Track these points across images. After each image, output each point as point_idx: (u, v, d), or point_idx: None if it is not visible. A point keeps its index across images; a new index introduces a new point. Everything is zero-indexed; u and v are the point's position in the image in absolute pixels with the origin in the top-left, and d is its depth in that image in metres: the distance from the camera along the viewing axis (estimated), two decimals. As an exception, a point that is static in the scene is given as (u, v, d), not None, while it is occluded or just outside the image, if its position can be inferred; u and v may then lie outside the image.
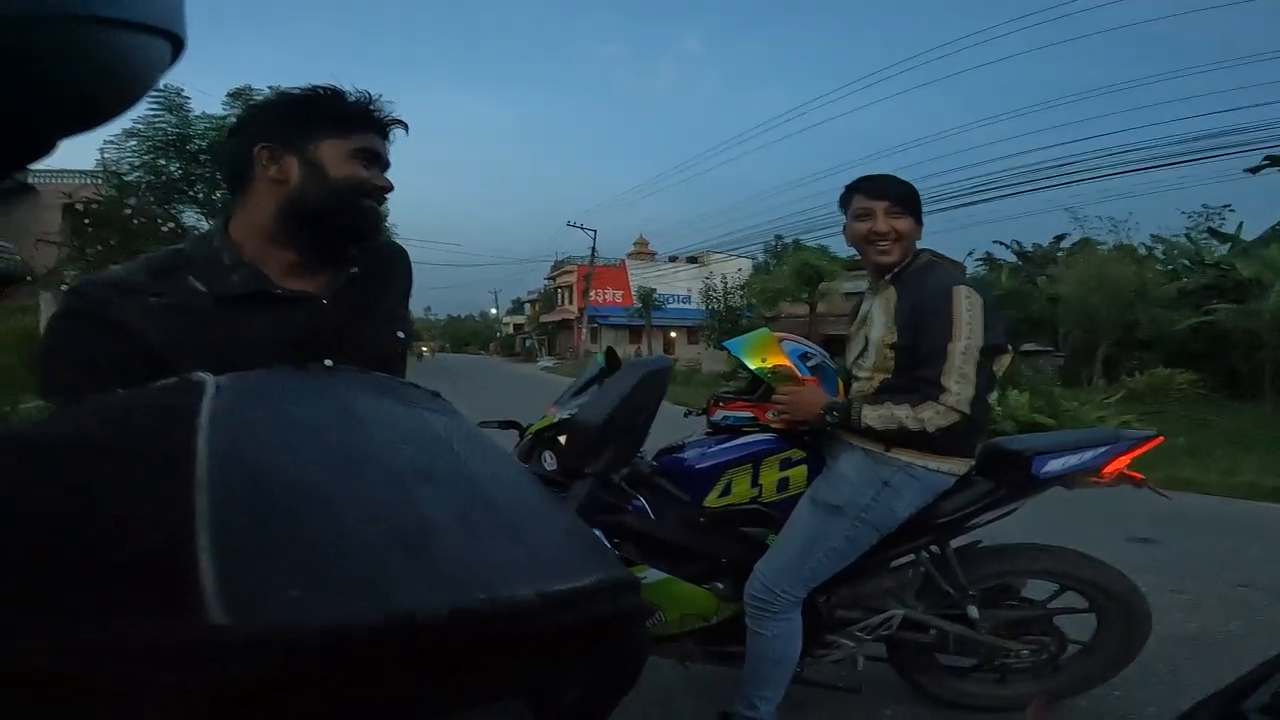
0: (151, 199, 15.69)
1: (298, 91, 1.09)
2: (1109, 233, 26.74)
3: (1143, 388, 15.91)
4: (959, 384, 1.76)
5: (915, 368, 1.84)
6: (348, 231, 1.11)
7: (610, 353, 2.51)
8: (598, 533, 2.19)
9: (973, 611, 2.18)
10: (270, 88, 17.56)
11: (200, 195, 16.05)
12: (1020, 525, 2.95)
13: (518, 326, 70.68)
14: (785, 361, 2.19)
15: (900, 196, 1.96)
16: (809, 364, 2.23)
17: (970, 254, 31.51)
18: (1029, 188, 16.66)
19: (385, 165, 1.15)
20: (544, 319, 56.16)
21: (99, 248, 15.22)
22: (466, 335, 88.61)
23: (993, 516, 2.14)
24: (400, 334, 1.20)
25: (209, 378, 0.39)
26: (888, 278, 1.99)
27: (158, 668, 0.26)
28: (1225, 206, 24.51)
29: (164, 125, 15.10)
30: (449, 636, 0.31)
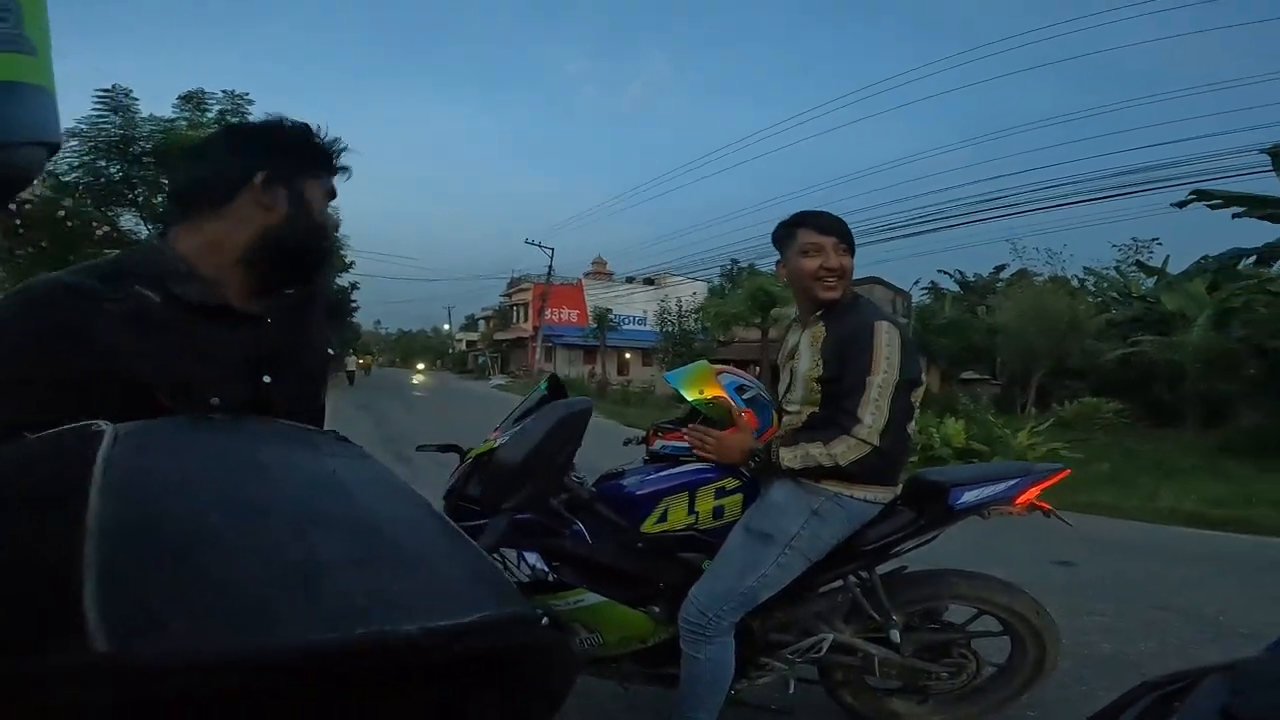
0: (89, 201, 15.08)
1: (294, 125, 1.13)
2: (1045, 264, 27.99)
3: (1072, 416, 16.59)
4: (872, 416, 1.84)
5: (836, 400, 1.93)
6: (313, 268, 1.18)
7: (554, 379, 2.54)
8: (535, 557, 2.21)
9: (895, 635, 2.26)
10: (225, 92, 17.13)
11: (140, 199, 15.47)
12: (958, 548, 3.08)
13: (470, 343, 70.15)
14: (722, 394, 2.26)
15: (845, 234, 2.04)
16: (745, 396, 2.31)
17: (916, 282, 32.56)
18: (972, 219, 17.34)
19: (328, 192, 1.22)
20: (498, 336, 55.85)
21: (30, 250, 14.59)
22: (417, 350, 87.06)
23: (915, 544, 2.24)
24: (330, 351, 1.31)
25: (108, 427, 0.42)
26: (818, 313, 2.06)
27: (44, 691, 0.29)
28: (1153, 240, 25.93)
29: (108, 126, 14.53)
30: (330, 670, 0.34)
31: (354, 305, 44.27)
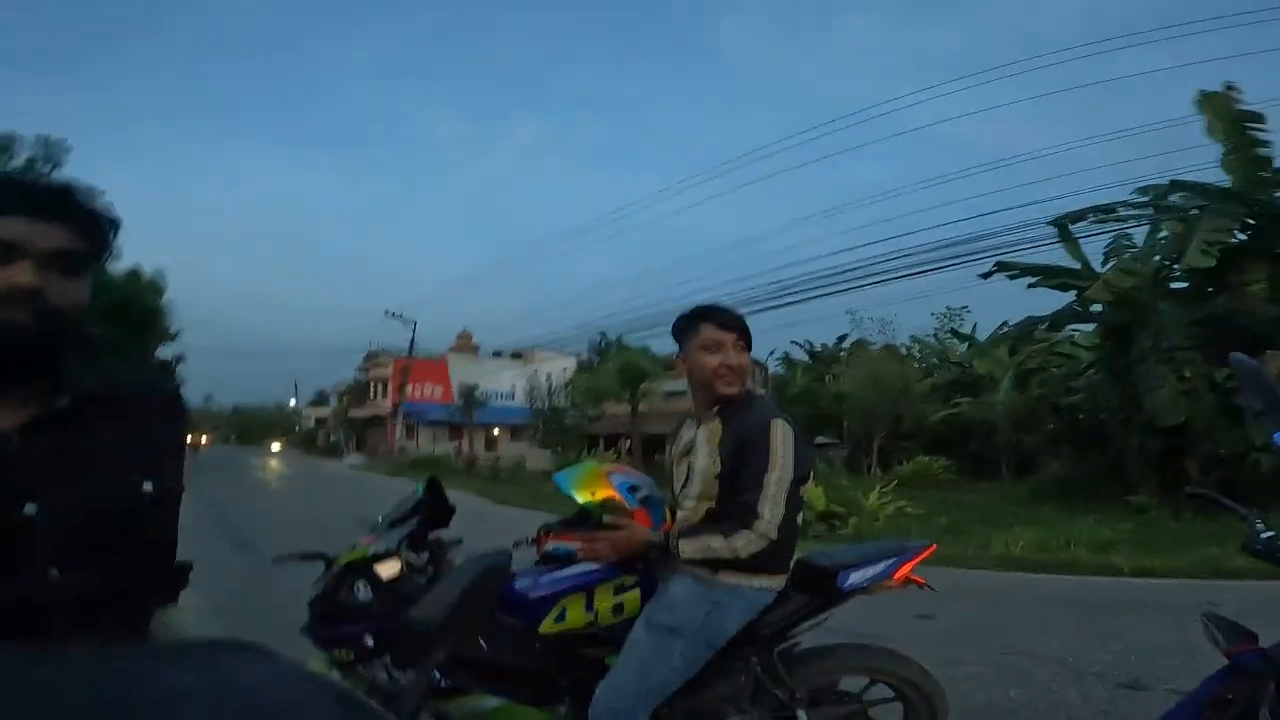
0: None
1: None
2: (879, 333, 30.58)
3: (910, 474, 18.03)
4: (771, 511, 1.89)
5: (734, 495, 1.95)
6: (30, 360, 0.85)
7: (433, 481, 2.45)
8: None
9: (802, 716, 2.25)
10: (39, 136, 15.32)
11: None
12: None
13: (320, 420, 65.19)
14: (614, 494, 2.25)
15: (744, 330, 2.09)
16: (637, 496, 2.31)
17: (771, 354, 34.47)
18: (819, 293, 18.74)
19: (58, 256, 0.86)
20: (353, 413, 52.34)
21: None
22: (258, 426, 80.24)
23: (810, 625, 2.30)
24: (148, 485, 0.91)
25: None
26: (715, 409, 2.09)
27: None
28: (963, 308, 28.81)
29: None
30: None
31: (180, 380, 40.76)
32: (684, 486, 2.11)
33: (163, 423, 0.99)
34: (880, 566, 2.30)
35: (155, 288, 27.23)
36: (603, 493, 2.24)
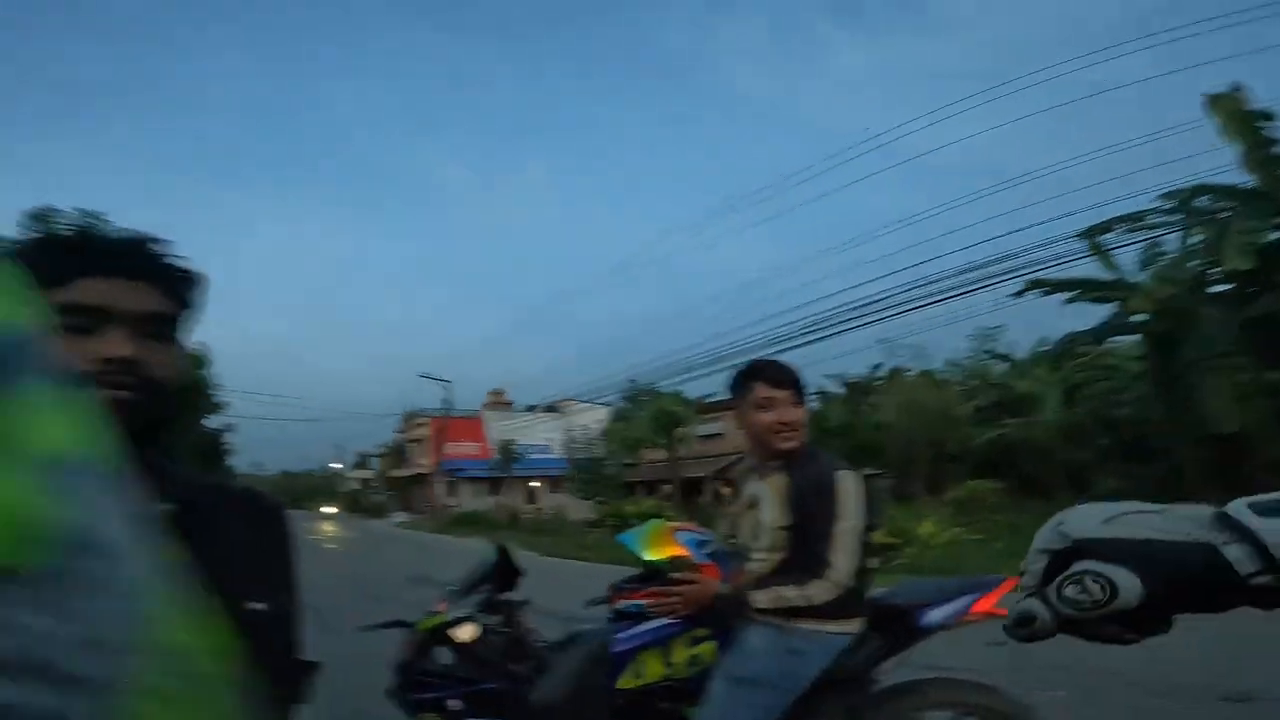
0: None
1: (15, 244, 0.80)
2: (913, 360, 30.03)
3: (961, 499, 17.54)
4: (844, 560, 1.91)
5: (805, 546, 1.97)
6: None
7: (503, 551, 2.53)
8: None
9: None
10: (78, 210, 15.46)
11: None
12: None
13: (364, 481, 66.87)
14: (682, 551, 2.28)
15: (798, 385, 2.11)
16: (705, 550, 2.32)
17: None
18: (852, 326, 18.57)
19: (149, 319, 0.77)
20: (395, 473, 53.49)
21: None
22: (305, 490, 79.85)
23: (890, 665, 2.27)
24: (261, 604, 0.80)
25: None
26: (777, 463, 2.10)
27: None
28: (998, 327, 28.17)
29: None
30: None
31: (227, 448, 40.80)
32: (753, 540, 2.13)
33: (270, 536, 0.89)
34: (959, 603, 2.28)
35: (199, 360, 25.99)
36: (671, 550, 2.27)
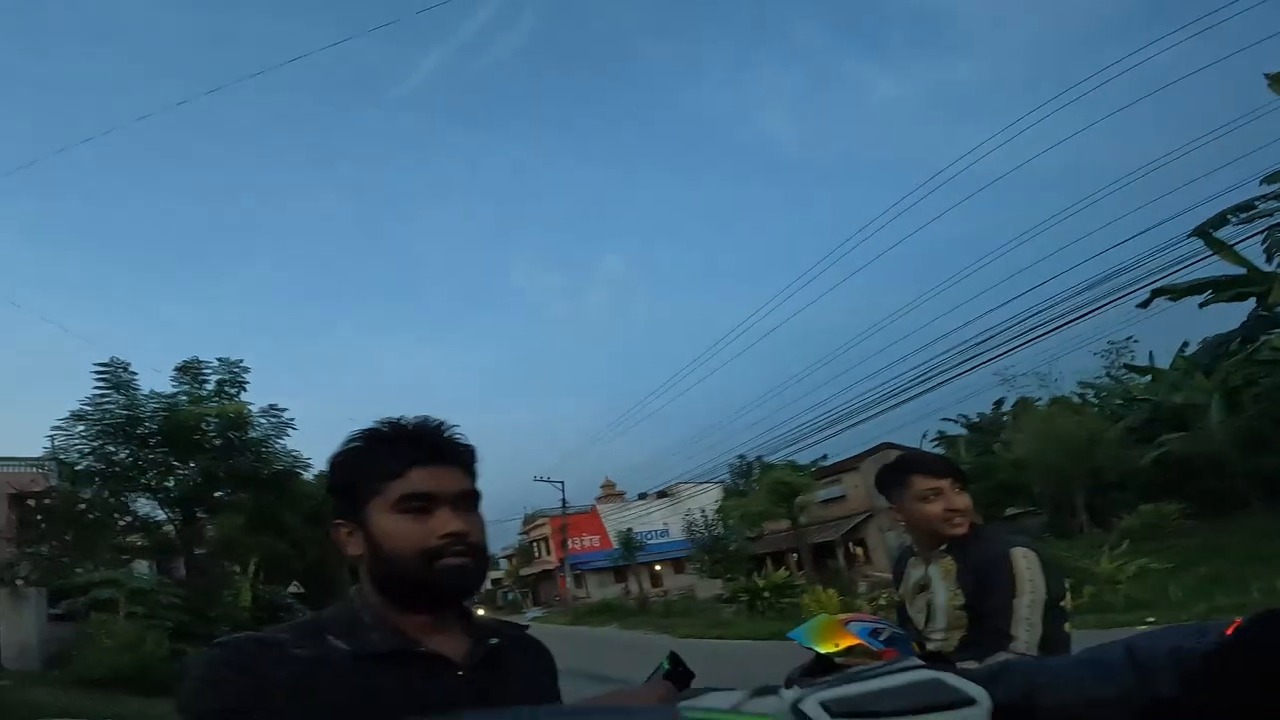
0: (106, 491, 14.27)
1: (341, 451, 1.00)
2: (1040, 388, 27.77)
3: (1137, 526, 15.50)
4: (1026, 632, 1.86)
5: (983, 623, 1.94)
6: (429, 600, 0.95)
7: (674, 658, 2.32)
8: None
9: None
10: (221, 360, 16.01)
11: (153, 482, 14.60)
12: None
13: (495, 580, 68.76)
14: (857, 641, 2.17)
15: (959, 472, 2.09)
16: (881, 638, 2.22)
17: (924, 436, 32.05)
18: (968, 367, 17.36)
19: (462, 496, 0.97)
20: (524, 571, 55.61)
21: (53, 543, 13.81)
22: None
23: None
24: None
25: None
26: (942, 547, 2.07)
27: None
28: (1129, 338, 25.75)
29: (111, 406, 13.78)
30: None
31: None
32: (928, 622, 2.11)
33: (546, 674, 1.10)
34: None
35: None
36: (846, 641, 2.16)
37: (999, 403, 30.04)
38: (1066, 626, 1.96)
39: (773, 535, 28.86)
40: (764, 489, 24.96)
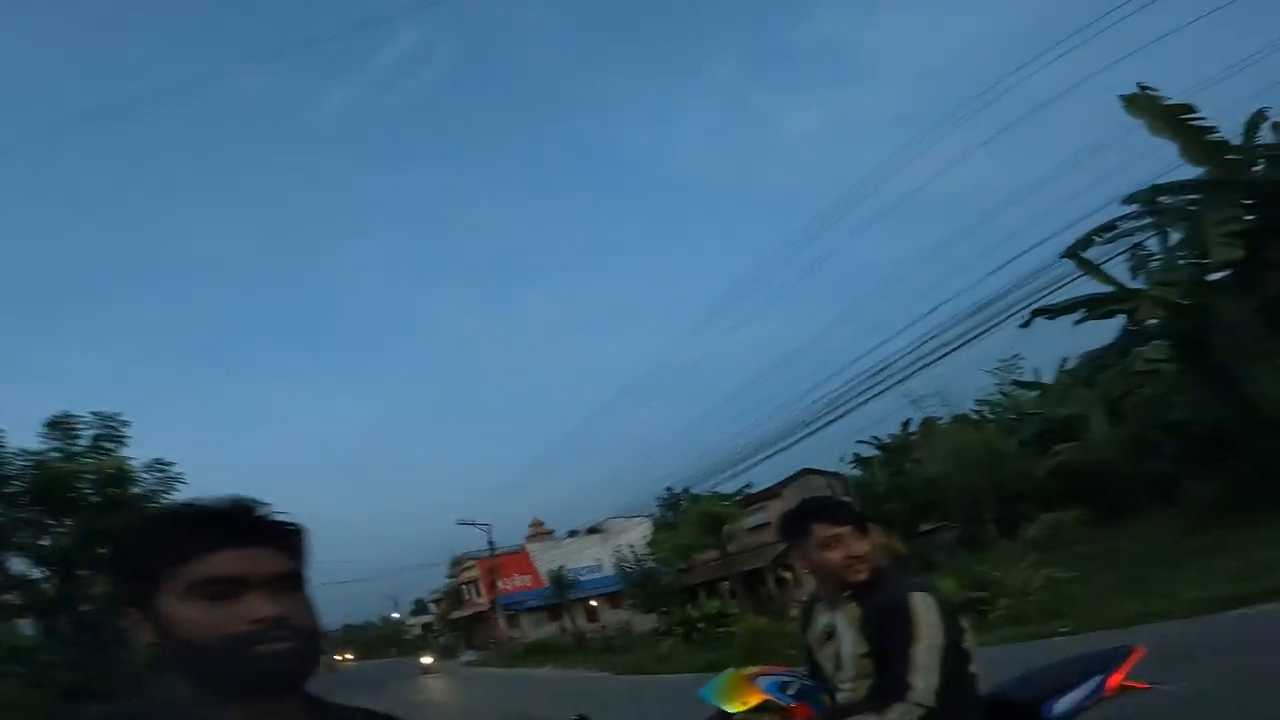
0: None
1: (125, 532, 0.94)
2: (943, 408, 29.09)
3: (1041, 535, 16.32)
4: (924, 680, 1.85)
5: (887, 670, 1.92)
6: (246, 690, 0.84)
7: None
8: None
9: None
10: (96, 414, 15.42)
11: (25, 541, 13.96)
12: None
13: (426, 625, 69.18)
14: (766, 698, 2.15)
15: (859, 518, 2.08)
16: (789, 692, 2.20)
17: (842, 459, 32.87)
18: (872, 395, 18.07)
19: (280, 578, 0.87)
20: (454, 615, 54.30)
21: None
22: (372, 641, 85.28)
23: None
24: None
25: None
26: (847, 594, 2.05)
27: None
28: (1016, 356, 27.36)
29: None
30: None
31: None
32: (837, 671, 2.08)
33: None
34: (1088, 686, 2.16)
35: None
36: (754, 698, 2.16)
37: (906, 423, 31.29)
38: (970, 667, 1.96)
39: (704, 565, 28.76)
40: (692, 520, 25.03)
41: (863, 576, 2.01)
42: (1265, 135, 13.07)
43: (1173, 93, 12.78)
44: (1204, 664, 4.91)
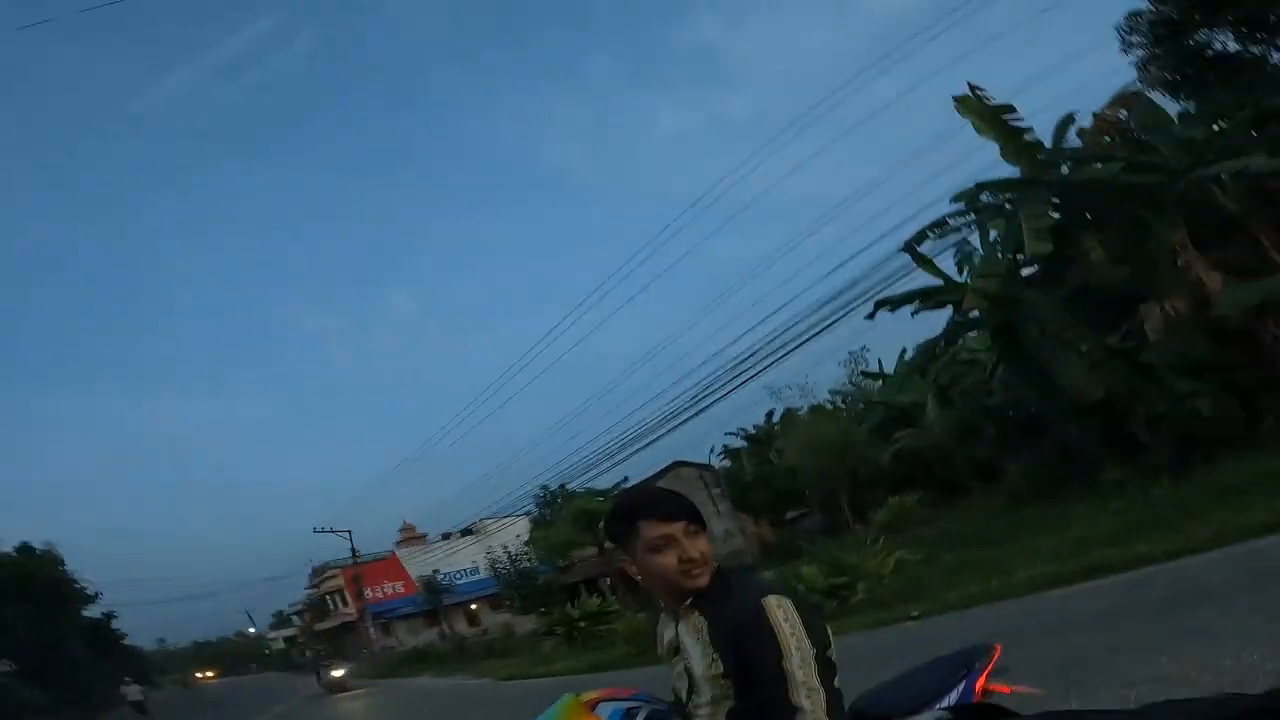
0: None
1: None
2: (801, 398, 30.56)
3: (887, 519, 17.43)
4: (810, 698, 1.57)
5: (757, 693, 1.61)
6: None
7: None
8: None
9: None
10: None
11: None
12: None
13: (289, 639, 65.09)
14: None
15: (693, 512, 1.73)
16: (638, 717, 1.93)
17: (712, 450, 33.65)
18: (736, 384, 18.47)
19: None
20: (319, 626, 50.50)
21: None
22: (230, 657, 79.48)
23: None
24: None
25: None
26: (688, 602, 1.73)
27: None
28: (863, 347, 29.23)
29: None
30: None
31: (119, 634, 41.43)
32: (691, 693, 1.76)
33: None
34: (952, 696, 1.99)
35: (52, 559, 28.44)
36: None
37: (770, 414, 32.62)
38: (835, 681, 1.67)
39: (582, 563, 28.42)
40: (569, 517, 24.68)
41: (702, 582, 1.70)
42: (1073, 138, 14.04)
43: (1009, 93, 13.61)
44: (1035, 644, 5.19)
